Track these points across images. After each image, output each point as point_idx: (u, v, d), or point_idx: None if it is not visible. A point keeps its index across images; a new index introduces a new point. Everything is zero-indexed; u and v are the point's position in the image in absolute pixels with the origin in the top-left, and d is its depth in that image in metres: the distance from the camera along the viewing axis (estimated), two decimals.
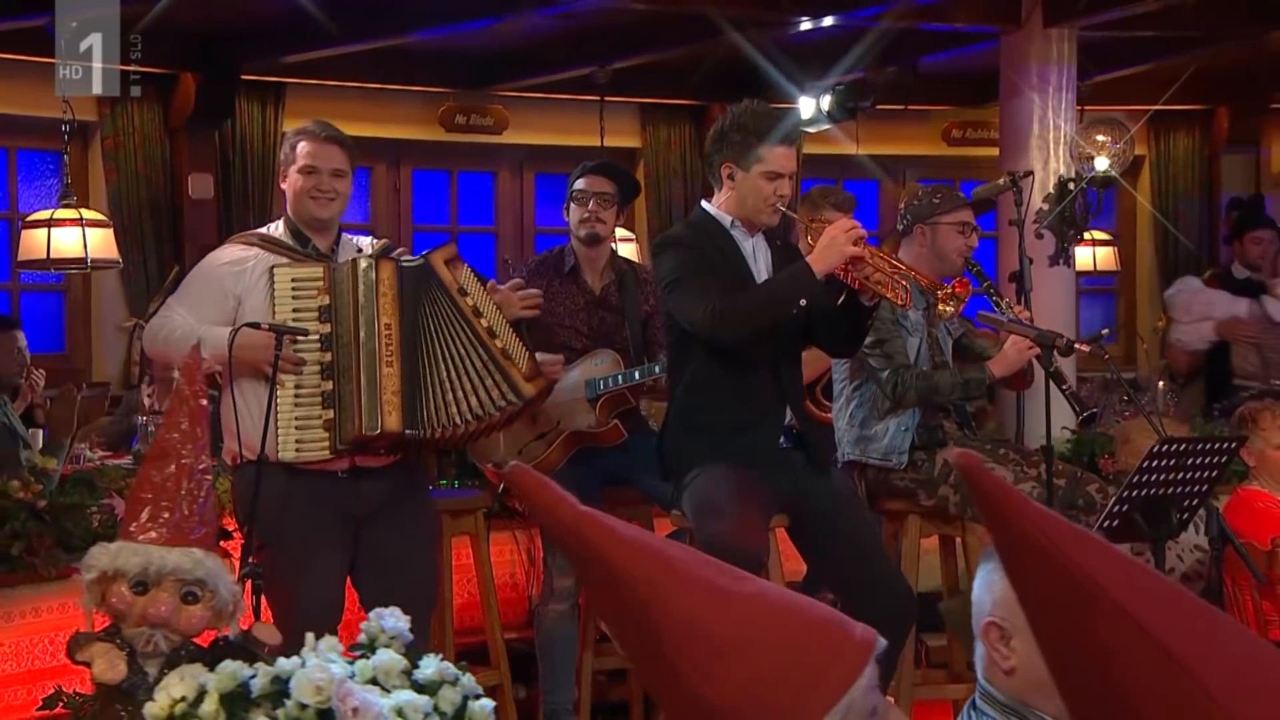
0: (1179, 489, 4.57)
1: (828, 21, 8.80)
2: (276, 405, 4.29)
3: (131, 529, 2.48)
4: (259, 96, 9.86)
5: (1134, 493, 4.45)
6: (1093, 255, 10.47)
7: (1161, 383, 8.83)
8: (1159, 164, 11.91)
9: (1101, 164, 7.99)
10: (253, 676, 2.13)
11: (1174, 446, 4.52)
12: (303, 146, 4.55)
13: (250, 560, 3.92)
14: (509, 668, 5.46)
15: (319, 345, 4.38)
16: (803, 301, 4.40)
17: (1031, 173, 6.50)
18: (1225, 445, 4.73)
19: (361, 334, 4.37)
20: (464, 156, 10.91)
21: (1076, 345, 4.82)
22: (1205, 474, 4.61)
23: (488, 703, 2.31)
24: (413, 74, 10.23)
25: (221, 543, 5.36)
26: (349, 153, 4.60)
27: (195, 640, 2.57)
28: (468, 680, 2.29)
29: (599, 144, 10.18)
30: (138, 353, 9.15)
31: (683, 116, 11.05)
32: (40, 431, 7.26)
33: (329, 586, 4.36)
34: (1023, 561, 1.45)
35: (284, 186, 4.61)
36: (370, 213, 10.56)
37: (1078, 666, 1.44)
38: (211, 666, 2.26)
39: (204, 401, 2.65)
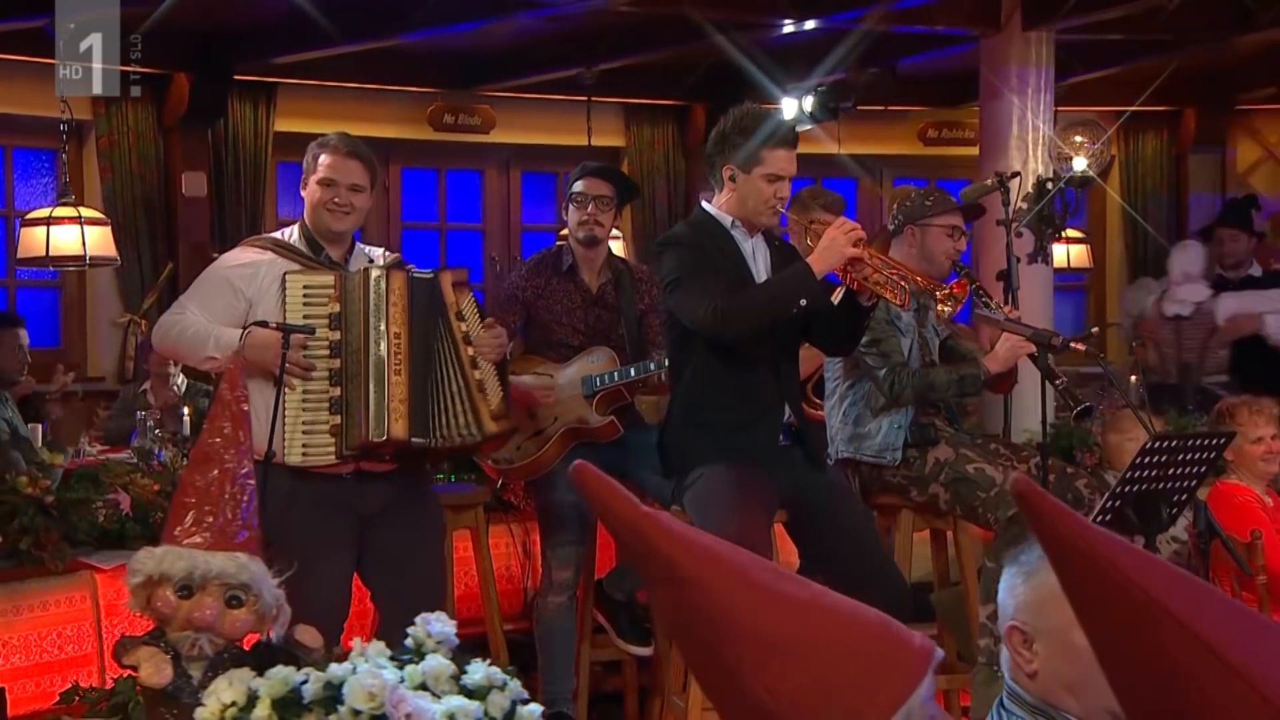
0: (1169, 484, 4.55)
1: (810, 25, 8.80)
2: (284, 407, 4.24)
3: (176, 533, 2.43)
4: (251, 96, 9.85)
5: (1127, 488, 4.44)
6: (1066, 253, 10.48)
7: (1134, 377, 8.86)
8: (1128, 164, 11.93)
9: (1080, 164, 8.00)
10: (304, 682, 2.08)
11: (1166, 443, 4.50)
12: (324, 159, 4.49)
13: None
14: (508, 658, 5.42)
15: (328, 352, 4.34)
16: (803, 301, 4.37)
17: (1019, 173, 6.48)
18: (1215, 441, 4.72)
19: (370, 342, 4.33)
20: (452, 155, 10.89)
21: (1072, 343, 4.80)
22: (1194, 469, 4.60)
23: (535, 708, 2.27)
24: (402, 74, 10.21)
25: None
26: (369, 168, 4.54)
27: (238, 643, 2.51)
28: (515, 685, 2.24)
29: (585, 144, 10.16)
30: (132, 348, 9.11)
31: (666, 116, 11.05)
32: (39, 426, 7.20)
33: (336, 586, 4.32)
34: (1083, 582, 1.42)
35: (303, 194, 4.55)
36: None
37: (1141, 683, 1.42)
38: (260, 670, 2.22)
39: (245, 406, 2.59)
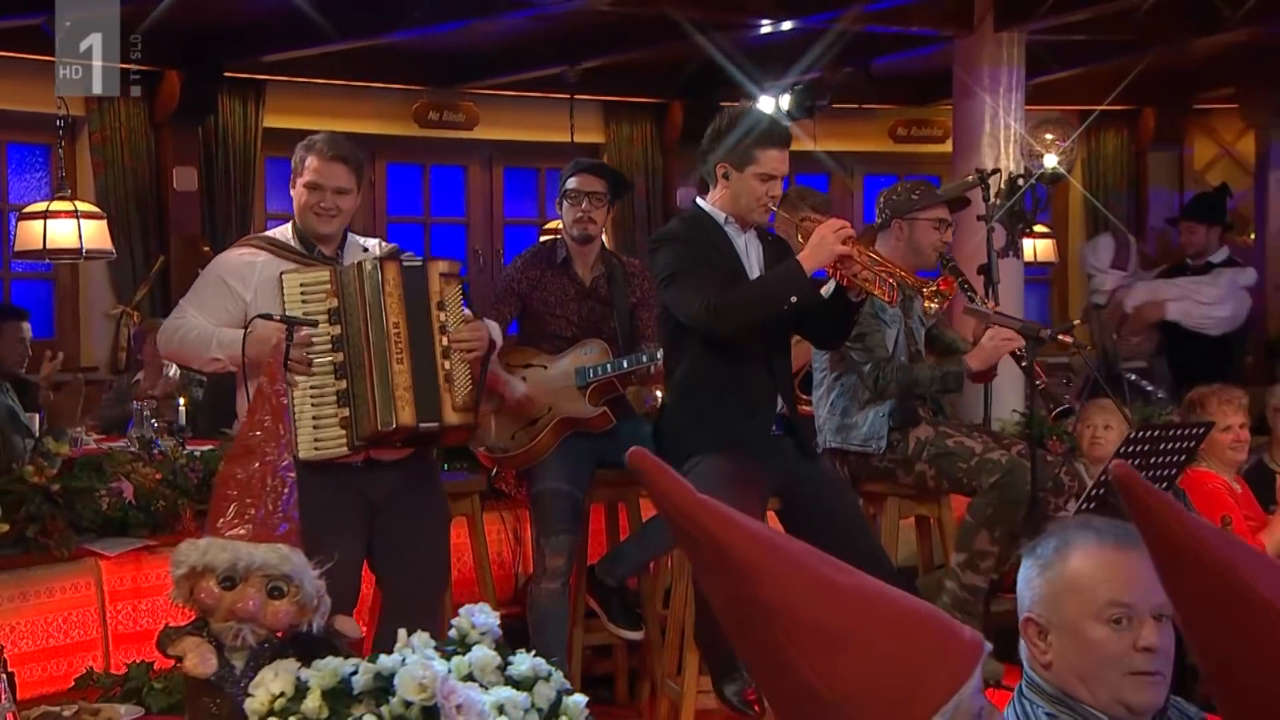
0: (1150, 473, 4.56)
1: (787, 25, 8.78)
2: (292, 403, 4.20)
3: (218, 525, 2.39)
4: (240, 93, 9.80)
5: (1111, 477, 4.42)
6: (1034, 248, 10.49)
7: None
8: (1090, 161, 11.95)
9: (1050, 161, 8.00)
10: (353, 673, 2.05)
11: (1149, 433, 4.50)
12: (310, 162, 4.44)
13: None
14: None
15: (330, 346, 4.32)
16: (794, 298, 4.36)
17: (999, 170, 6.47)
18: (1194, 432, 4.73)
19: (371, 333, 4.30)
20: (436, 151, 10.85)
21: (1060, 336, 4.80)
22: (1174, 459, 4.61)
23: (580, 698, 2.23)
24: (388, 73, 10.16)
25: None
26: (354, 170, 4.48)
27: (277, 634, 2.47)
28: (558, 676, 2.21)
29: (567, 140, 10.13)
30: (125, 339, 9.05)
31: (645, 114, 11.03)
32: (36, 415, 7.12)
33: (347, 572, 4.26)
34: (1180, 569, 1.40)
35: (292, 194, 4.52)
36: None
37: (1238, 668, 1.39)
38: (306, 661, 2.19)
39: (284, 400, 2.55)
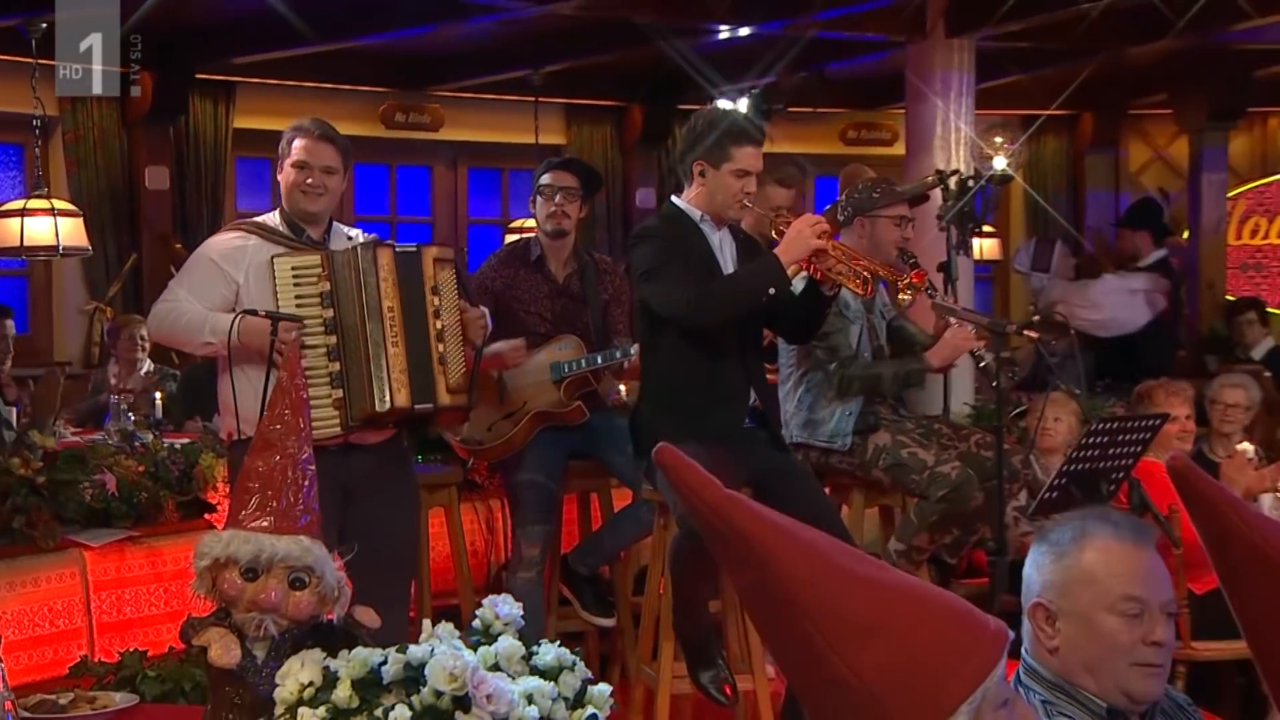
0: (1108, 463, 4.57)
1: (744, 31, 8.77)
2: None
3: (240, 517, 2.35)
4: (211, 94, 9.73)
5: (1073, 466, 4.44)
6: (980, 247, 10.52)
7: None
8: (1030, 164, 12.03)
9: (1000, 163, 8.02)
10: (383, 663, 2.00)
11: (1108, 425, 4.52)
12: (298, 143, 4.41)
13: None
14: None
15: (323, 329, 4.27)
16: (771, 291, 4.34)
17: (958, 171, 6.47)
18: (1150, 423, 4.74)
19: (365, 316, 4.26)
20: (402, 152, 10.80)
21: (1025, 332, 4.80)
22: (1131, 449, 4.62)
23: (605, 686, 2.20)
24: (356, 75, 10.11)
25: (208, 515, 5.29)
26: (341, 150, 4.46)
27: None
28: (582, 666, 2.17)
29: (531, 141, 10.09)
30: (99, 334, 8.95)
31: (606, 116, 11.01)
32: (13, 409, 7.02)
33: None
34: (1232, 556, 1.38)
35: (279, 178, 4.47)
36: None
37: None
38: (332, 652, 2.14)
39: (304, 394, 2.50)
